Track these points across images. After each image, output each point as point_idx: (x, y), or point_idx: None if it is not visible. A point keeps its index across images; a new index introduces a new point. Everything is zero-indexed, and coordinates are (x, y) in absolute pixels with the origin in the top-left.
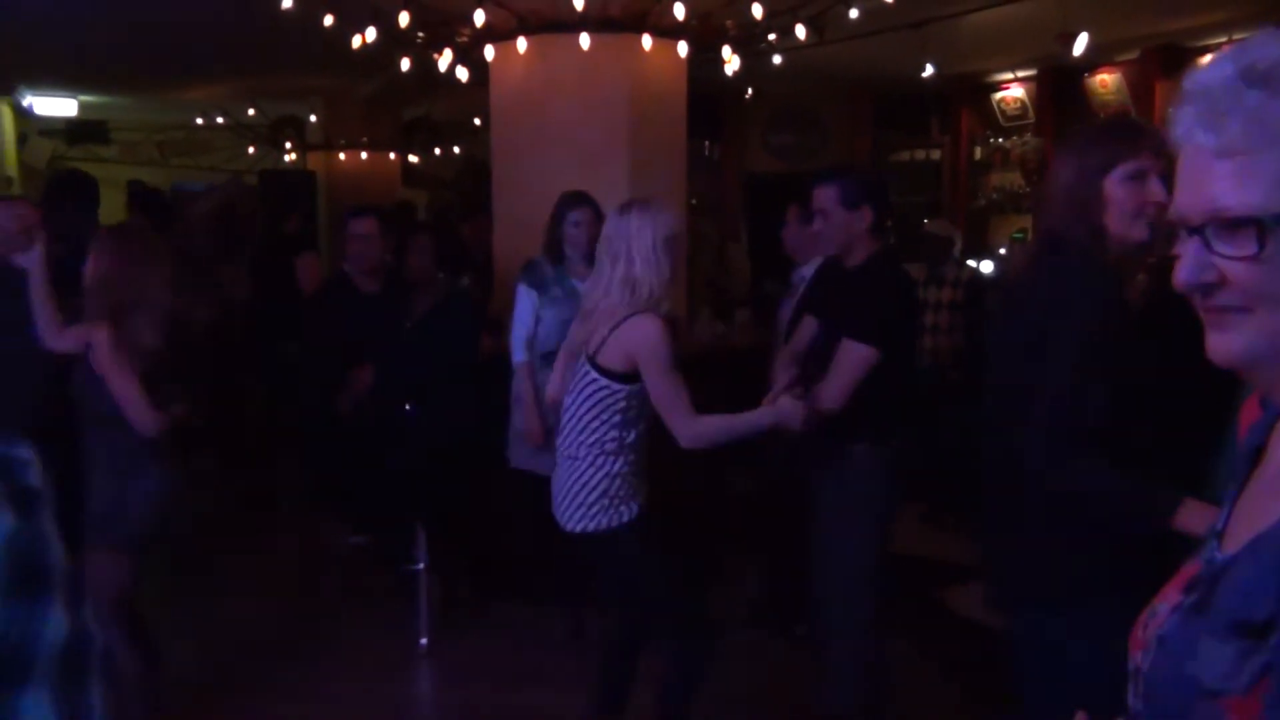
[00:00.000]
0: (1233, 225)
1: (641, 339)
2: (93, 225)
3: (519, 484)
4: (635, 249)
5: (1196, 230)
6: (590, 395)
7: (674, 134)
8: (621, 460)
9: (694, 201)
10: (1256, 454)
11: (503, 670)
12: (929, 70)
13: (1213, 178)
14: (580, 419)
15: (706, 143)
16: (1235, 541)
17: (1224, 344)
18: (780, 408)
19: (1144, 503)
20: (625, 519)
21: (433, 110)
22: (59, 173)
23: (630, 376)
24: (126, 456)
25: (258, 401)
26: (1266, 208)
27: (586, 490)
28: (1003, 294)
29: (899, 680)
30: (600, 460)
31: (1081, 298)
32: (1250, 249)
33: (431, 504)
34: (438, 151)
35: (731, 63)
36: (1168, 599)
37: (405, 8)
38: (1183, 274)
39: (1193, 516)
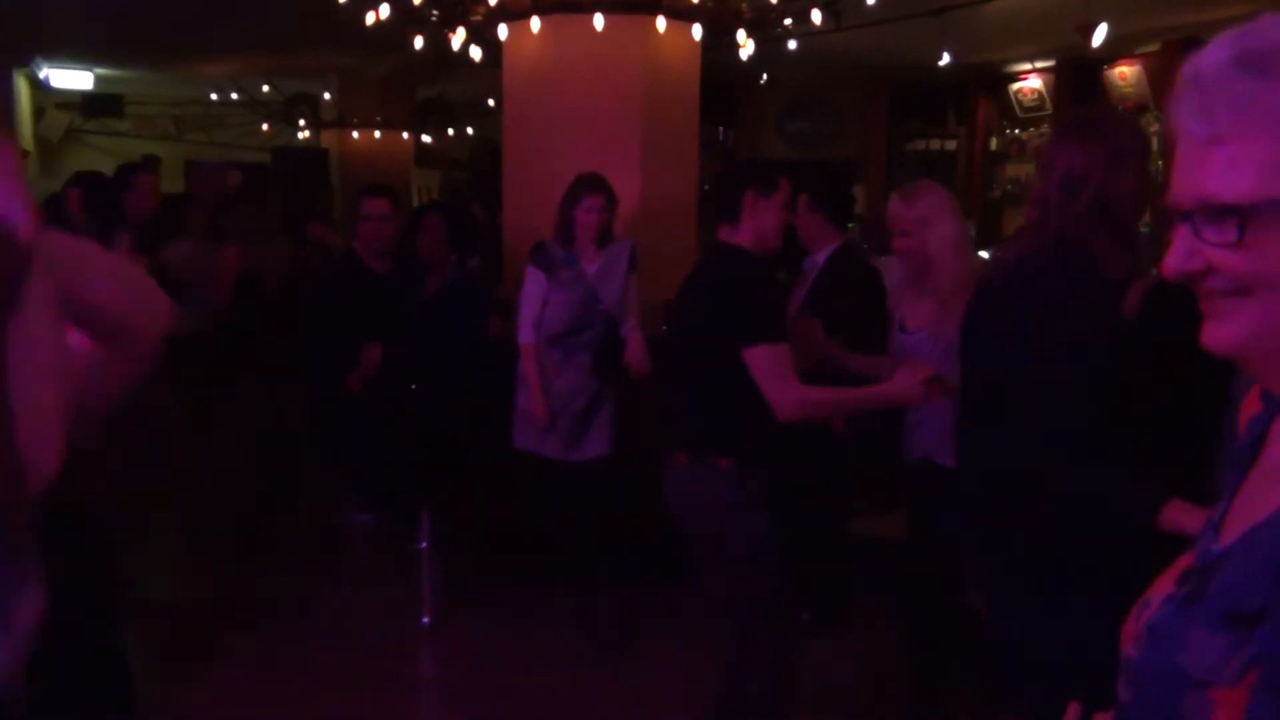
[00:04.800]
0: (1220, 213)
1: None
2: None
3: (524, 465)
4: None
5: (1186, 217)
6: None
7: (686, 118)
8: None
9: (706, 187)
10: (1256, 447)
11: (505, 650)
12: (946, 59)
13: (1203, 165)
14: None
15: (721, 128)
16: (1232, 534)
17: (1220, 333)
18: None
19: (1128, 503)
20: None
21: (447, 90)
22: None
23: None
24: None
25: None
26: (1253, 196)
27: None
28: (989, 287)
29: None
30: None
31: (1078, 298)
32: (1231, 236)
33: (437, 484)
34: (451, 132)
35: (746, 47)
36: (1161, 590)
37: None
38: (1171, 260)
39: (1178, 516)
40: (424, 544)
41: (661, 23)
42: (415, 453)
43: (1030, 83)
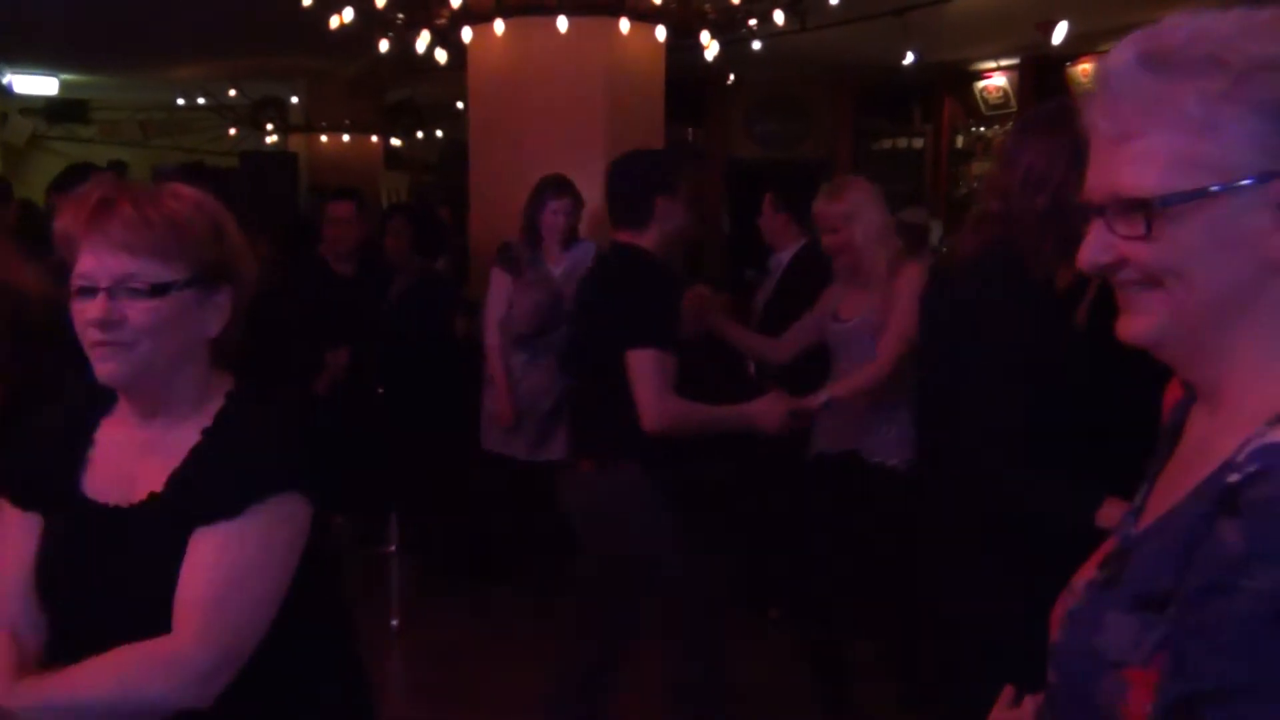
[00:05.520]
0: (1129, 206)
1: None
2: None
3: (491, 466)
4: None
5: (1100, 211)
6: None
7: (652, 119)
8: None
9: None
10: (1176, 433)
11: (474, 651)
12: (910, 58)
13: (1113, 161)
14: None
15: (690, 129)
16: (1149, 519)
17: (1134, 325)
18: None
19: (1064, 503)
20: None
21: (416, 93)
22: None
23: None
24: None
25: None
26: (1158, 189)
27: None
28: (944, 280)
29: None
30: None
31: (1025, 300)
32: (1140, 229)
33: (404, 486)
34: (420, 135)
35: (710, 48)
36: (1084, 575)
37: None
38: (1085, 253)
39: (1115, 514)
40: (392, 546)
41: (625, 24)
42: (382, 455)
43: (995, 81)
